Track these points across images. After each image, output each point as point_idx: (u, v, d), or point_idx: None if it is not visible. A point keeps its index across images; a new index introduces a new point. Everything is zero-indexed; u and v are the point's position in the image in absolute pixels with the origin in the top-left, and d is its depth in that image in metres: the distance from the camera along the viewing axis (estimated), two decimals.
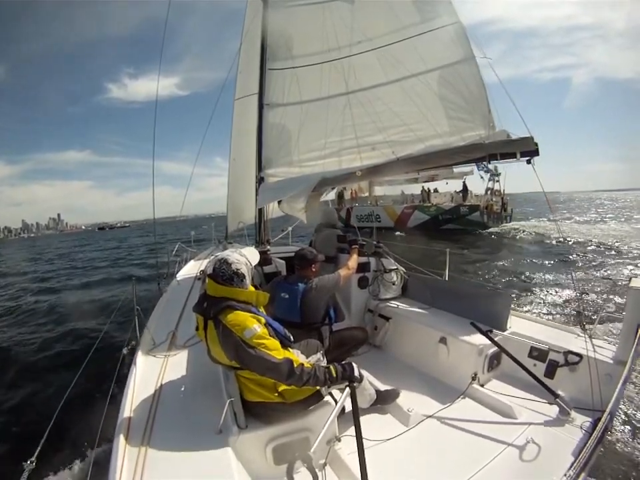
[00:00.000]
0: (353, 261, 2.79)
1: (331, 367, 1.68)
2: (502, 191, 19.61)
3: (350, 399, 1.62)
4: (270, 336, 1.63)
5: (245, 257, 1.79)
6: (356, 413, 1.55)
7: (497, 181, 19.68)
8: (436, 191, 20.30)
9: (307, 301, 2.43)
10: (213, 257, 1.93)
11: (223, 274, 1.69)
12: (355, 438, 1.43)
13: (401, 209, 19.35)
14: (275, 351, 1.56)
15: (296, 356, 1.81)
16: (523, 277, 8.43)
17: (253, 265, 1.85)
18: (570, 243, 13.57)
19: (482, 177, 18.62)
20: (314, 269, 2.60)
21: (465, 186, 19.26)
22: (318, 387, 1.70)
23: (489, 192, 19.66)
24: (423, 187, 19.80)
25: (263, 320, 1.67)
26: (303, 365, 1.59)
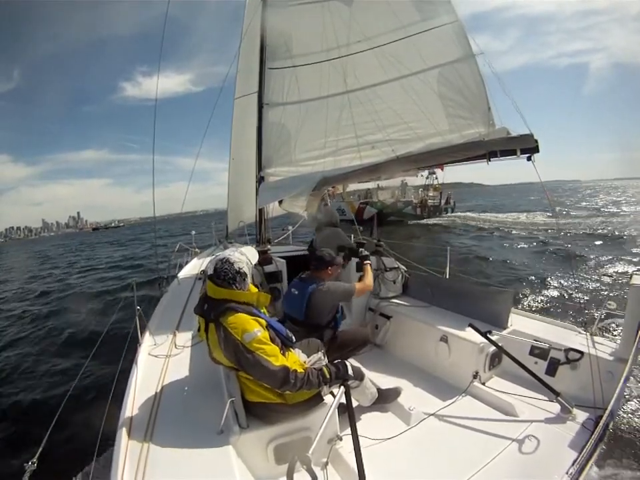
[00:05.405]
0: (369, 278, 2.77)
1: (324, 369, 1.68)
2: (439, 186, 25.40)
3: (345, 398, 1.62)
4: (270, 338, 1.62)
5: (246, 256, 1.78)
6: (351, 411, 1.56)
7: (436, 178, 25.30)
8: (386, 188, 23.69)
9: (314, 302, 2.42)
10: (213, 256, 1.92)
11: (226, 273, 1.67)
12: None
13: (358, 204, 22.35)
14: (273, 357, 1.55)
15: (297, 356, 1.80)
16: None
17: (253, 263, 1.84)
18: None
19: (421, 175, 22.64)
20: (330, 272, 2.57)
21: (402, 183, 22.63)
22: (318, 389, 1.71)
23: (425, 188, 25.08)
24: (377, 184, 21.86)
25: (264, 322, 1.66)
26: (296, 371, 1.58)
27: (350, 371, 1.75)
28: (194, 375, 2.14)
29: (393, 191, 24.24)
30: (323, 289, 2.44)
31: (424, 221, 22.75)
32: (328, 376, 1.66)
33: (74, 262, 22.17)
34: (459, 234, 17.25)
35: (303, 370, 1.62)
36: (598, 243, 12.23)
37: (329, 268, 2.56)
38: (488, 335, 2.30)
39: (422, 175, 22.59)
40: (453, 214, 25.51)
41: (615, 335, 2.45)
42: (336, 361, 1.80)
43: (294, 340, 1.88)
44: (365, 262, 2.92)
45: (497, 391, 2.25)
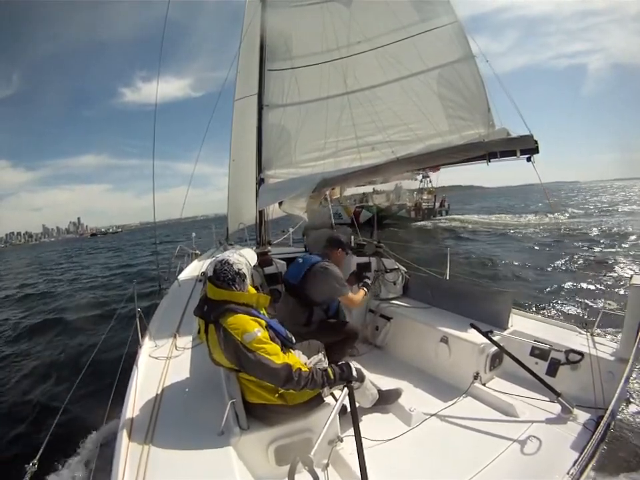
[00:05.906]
0: (361, 298, 2.72)
1: (329, 370, 1.68)
2: (433, 189, 26.42)
3: (349, 399, 1.62)
4: (270, 339, 1.63)
5: (245, 258, 1.79)
6: (354, 413, 1.55)
7: (430, 182, 25.80)
8: (381, 191, 24.10)
9: (312, 273, 2.53)
10: (213, 258, 1.93)
11: (225, 274, 1.68)
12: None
13: (353, 208, 22.67)
14: (275, 355, 1.55)
15: (297, 357, 1.81)
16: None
17: (252, 265, 1.85)
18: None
19: (416, 179, 23.62)
20: (339, 253, 2.73)
21: (396, 186, 22.89)
22: (318, 390, 1.71)
23: (420, 192, 26.01)
24: (373, 187, 22.45)
25: (264, 323, 1.67)
26: (300, 369, 1.58)
27: (355, 372, 1.75)
28: (194, 376, 2.14)
29: (388, 195, 24.61)
30: (325, 265, 2.55)
31: (418, 224, 23.40)
32: (332, 377, 1.66)
33: (71, 269, 22.04)
34: (451, 236, 17.57)
35: (307, 369, 1.63)
36: (601, 242, 12.15)
37: (339, 249, 2.73)
38: (489, 335, 2.31)
39: (416, 179, 23.60)
40: (447, 216, 26.23)
41: (616, 335, 2.45)
42: (340, 362, 1.80)
43: (294, 341, 1.89)
44: (363, 288, 2.81)
45: (498, 391, 2.25)
